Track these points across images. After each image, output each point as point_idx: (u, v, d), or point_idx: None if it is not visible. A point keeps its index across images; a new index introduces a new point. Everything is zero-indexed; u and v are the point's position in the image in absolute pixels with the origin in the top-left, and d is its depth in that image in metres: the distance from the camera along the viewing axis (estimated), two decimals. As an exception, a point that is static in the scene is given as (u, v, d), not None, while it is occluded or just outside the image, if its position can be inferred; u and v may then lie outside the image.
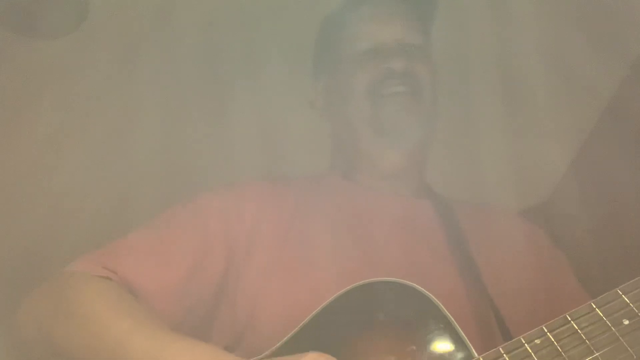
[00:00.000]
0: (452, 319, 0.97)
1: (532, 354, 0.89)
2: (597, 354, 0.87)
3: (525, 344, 0.90)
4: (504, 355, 0.90)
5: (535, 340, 0.90)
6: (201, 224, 1.23)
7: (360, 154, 1.38)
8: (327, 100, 1.46)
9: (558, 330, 0.90)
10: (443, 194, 1.44)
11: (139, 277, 1.13)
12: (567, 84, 1.68)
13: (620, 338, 0.88)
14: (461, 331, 0.96)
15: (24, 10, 1.47)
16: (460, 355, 0.95)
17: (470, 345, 0.94)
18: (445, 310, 0.98)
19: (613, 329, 0.88)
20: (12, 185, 1.64)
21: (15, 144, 1.63)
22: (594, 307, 0.91)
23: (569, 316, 0.91)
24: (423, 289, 1.00)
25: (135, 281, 1.12)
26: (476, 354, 0.93)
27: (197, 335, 1.14)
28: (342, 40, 1.42)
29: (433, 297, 0.99)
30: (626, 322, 0.89)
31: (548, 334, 0.90)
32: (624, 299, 0.91)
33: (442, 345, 0.96)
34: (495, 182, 1.58)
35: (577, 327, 0.90)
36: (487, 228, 1.36)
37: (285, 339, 1.03)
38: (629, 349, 0.86)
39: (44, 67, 1.57)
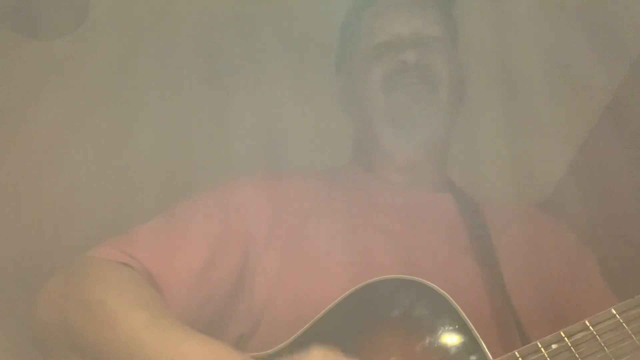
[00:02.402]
0: (467, 319, 0.94)
1: (548, 359, 0.86)
2: None
3: (542, 349, 0.87)
4: (520, 359, 0.88)
5: (552, 345, 0.87)
6: (221, 215, 1.23)
7: (378, 147, 1.37)
8: (347, 95, 1.46)
9: (576, 336, 0.88)
10: (467, 190, 1.43)
11: (158, 264, 1.13)
12: (567, 84, 1.68)
13: None
14: (476, 332, 0.93)
15: (24, 10, 1.47)
16: (474, 357, 0.92)
17: (484, 346, 0.92)
18: (461, 311, 0.95)
19: (634, 337, 0.86)
20: (12, 185, 1.64)
21: (15, 144, 1.63)
22: (615, 313, 0.88)
23: (588, 322, 0.88)
24: (439, 289, 0.98)
25: (154, 268, 1.12)
26: (490, 357, 0.91)
27: (215, 323, 1.16)
28: (360, 35, 1.42)
29: (449, 296, 0.97)
30: None
31: (566, 339, 0.87)
32: None
33: (456, 346, 0.93)
34: (496, 181, 1.58)
35: (596, 334, 0.87)
36: (512, 225, 1.34)
37: (296, 334, 1.02)
38: None
39: (44, 67, 1.57)
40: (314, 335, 1.00)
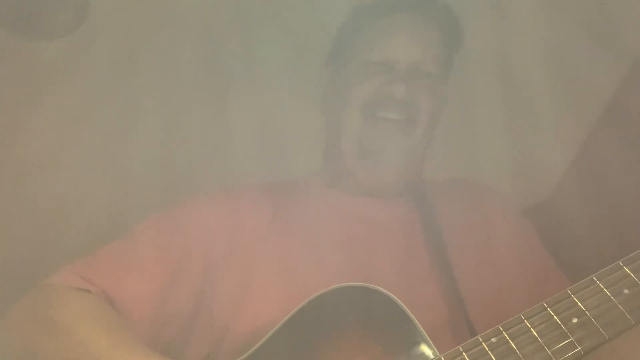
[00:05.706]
0: (416, 320, 1.00)
1: (489, 351, 0.93)
2: (548, 351, 0.91)
3: (483, 343, 0.94)
4: (463, 353, 0.94)
5: (492, 339, 0.94)
6: (179, 235, 1.25)
7: (344, 167, 1.38)
8: (328, 92, 1.45)
9: (513, 329, 0.94)
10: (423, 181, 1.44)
11: (117, 287, 1.15)
12: (567, 84, 1.68)
13: (570, 335, 0.92)
14: (424, 332, 0.99)
15: (24, 10, 1.47)
16: (424, 354, 0.98)
17: (433, 345, 0.98)
18: (409, 312, 1.00)
19: (563, 327, 0.93)
20: (11, 186, 1.64)
21: (15, 144, 1.63)
22: (546, 306, 0.95)
23: (523, 315, 0.95)
24: (387, 292, 1.02)
25: (113, 292, 1.14)
26: (438, 353, 0.97)
27: (177, 342, 1.18)
28: (362, 41, 1.40)
29: (397, 299, 1.02)
30: (575, 320, 0.93)
31: (503, 332, 0.94)
32: (573, 298, 0.95)
33: (407, 345, 0.99)
34: (496, 181, 1.58)
35: (530, 326, 0.94)
36: (458, 205, 1.38)
37: (257, 345, 1.05)
38: (577, 345, 0.91)
39: (44, 67, 1.57)
40: (274, 345, 1.03)
